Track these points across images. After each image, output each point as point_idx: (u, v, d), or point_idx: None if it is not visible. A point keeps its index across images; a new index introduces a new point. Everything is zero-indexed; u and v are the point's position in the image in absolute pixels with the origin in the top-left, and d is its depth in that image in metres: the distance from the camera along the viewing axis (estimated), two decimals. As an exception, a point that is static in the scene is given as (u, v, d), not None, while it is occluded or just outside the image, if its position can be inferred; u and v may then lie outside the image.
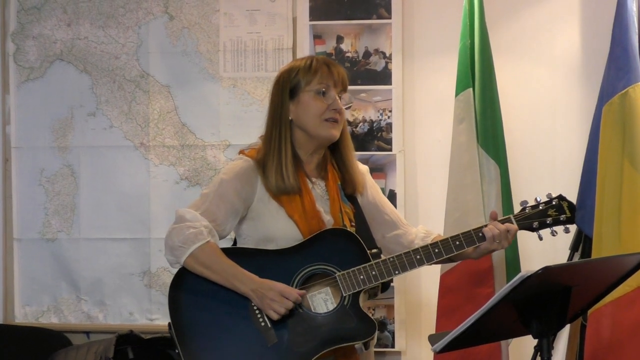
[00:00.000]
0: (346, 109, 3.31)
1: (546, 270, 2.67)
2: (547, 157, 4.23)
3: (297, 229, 3.23)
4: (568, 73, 4.23)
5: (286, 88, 3.29)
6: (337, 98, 3.27)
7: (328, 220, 3.27)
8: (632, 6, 3.79)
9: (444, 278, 4.04)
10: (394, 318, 4.34)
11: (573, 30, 4.22)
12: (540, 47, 4.25)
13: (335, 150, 3.35)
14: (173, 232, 3.21)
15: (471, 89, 4.01)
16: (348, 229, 3.27)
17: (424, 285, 4.33)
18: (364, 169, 3.44)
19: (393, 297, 4.33)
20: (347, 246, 3.22)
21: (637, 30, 3.80)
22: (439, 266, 3.99)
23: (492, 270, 3.97)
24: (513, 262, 4.01)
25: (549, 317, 2.85)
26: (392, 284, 4.19)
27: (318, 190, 3.31)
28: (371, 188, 3.44)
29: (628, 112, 3.73)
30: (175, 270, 3.25)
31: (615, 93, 3.76)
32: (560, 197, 3.34)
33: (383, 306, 4.33)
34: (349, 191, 3.36)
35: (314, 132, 3.27)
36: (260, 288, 3.14)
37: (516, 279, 2.68)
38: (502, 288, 2.73)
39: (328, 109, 3.26)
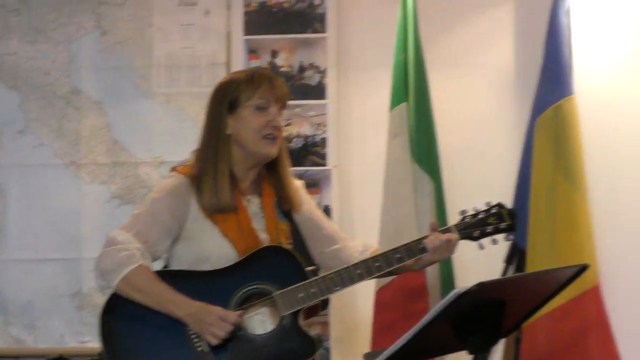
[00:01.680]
0: (285, 125, 3.26)
1: (481, 285, 2.65)
2: (481, 170, 4.24)
3: (233, 248, 3.15)
4: (501, 87, 4.25)
5: (225, 101, 3.20)
6: (278, 114, 3.20)
7: (264, 239, 3.20)
8: (564, 20, 3.82)
9: (379, 294, 4.02)
10: (330, 335, 4.31)
11: (506, 44, 4.24)
12: (474, 61, 4.27)
13: (271, 167, 3.28)
14: (104, 256, 3.10)
15: (405, 104, 4.01)
16: (285, 246, 3.20)
17: (359, 301, 4.30)
18: (298, 184, 3.38)
19: (328, 314, 4.29)
20: (285, 264, 3.15)
21: (569, 44, 3.83)
22: (374, 282, 3.97)
23: (427, 285, 3.96)
24: (447, 277, 4.01)
25: (484, 332, 2.84)
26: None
27: (253, 208, 3.24)
28: (307, 203, 3.38)
29: (561, 124, 3.76)
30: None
31: (548, 106, 3.79)
32: (500, 205, 3.30)
33: (318, 323, 4.30)
34: (286, 208, 3.30)
35: (253, 149, 3.19)
36: (197, 312, 3.05)
37: (451, 295, 2.66)
38: (437, 304, 2.71)
39: (267, 125, 3.18)
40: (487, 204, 3.31)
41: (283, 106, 3.24)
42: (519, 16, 4.23)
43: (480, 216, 3.28)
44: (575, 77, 3.83)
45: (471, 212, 3.30)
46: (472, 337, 2.84)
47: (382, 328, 3.97)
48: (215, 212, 3.16)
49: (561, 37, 3.80)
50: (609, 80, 3.89)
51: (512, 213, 3.30)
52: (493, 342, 2.90)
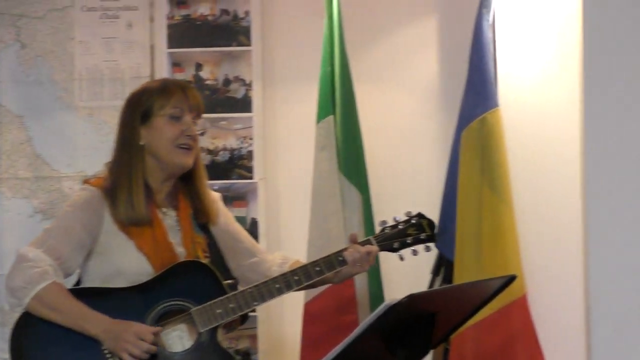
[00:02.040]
0: (200, 135, 3.20)
1: (411, 297, 2.66)
2: (408, 182, 4.25)
3: (148, 263, 3.09)
4: (427, 99, 4.27)
5: (138, 111, 3.14)
6: (192, 123, 3.15)
7: (180, 252, 3.15)
8: (488, 33, 3.85)
9: (307, 307, 4.00)
10: (257, 349, 4.28)
11: (431, 57, 4.27)
12: (400, 74, 4.28)
13: (187, 178, 3.22)
14: (14, 273, 3.01)
15: (332, 116, 4.00)
16: (202, 261, 3.14)
17: (287, 314, 4.29)
18: (215, 196, 3.33)
19: (256, 327, 4.26)
20: (202, 279, 3.10)
21: (493, 57, 3.87)
22: (302, 295, 3.95)
23: (356, 298, 3.95)
24: (376, 289, 4.00)
25: (414, 343, 2.85)
26: (255, 314, 4.15)
27: (169, 221, 3.18)
28: (224, 216, 3.33)
29: (486, 137, 3.78)
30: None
31: (473, 118, 3.81)
32: (420, 215, 3.32)
33: (247, 336, 4.27)
34: (202, 221, 3.24)
35: (167, 159, 3.13)
36: (113, 329, 2.98)
37: (381, 307, 2.66)
38: (368, 317, 2.71)
39: (182, 135, 3.12)
40: (407, 214, 3.32)
41: (197, 115, 3.18)
42: (443, 29, 4.26)
43: (400, 227, 3.30)
44: (500, 89, 3.87)
45: (391, 223, 3.31)
46: (403, 349, 2.84)
47: (311, 341, 3.95)
48: (130, 225, 3.09)
49: (485, 49, 3.83)
50: (532, 91, 3.94)
51: (431, 224, 3.32)
52: (423, 353, 2.91)
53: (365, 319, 3.84)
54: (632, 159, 3.43)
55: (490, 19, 3.88)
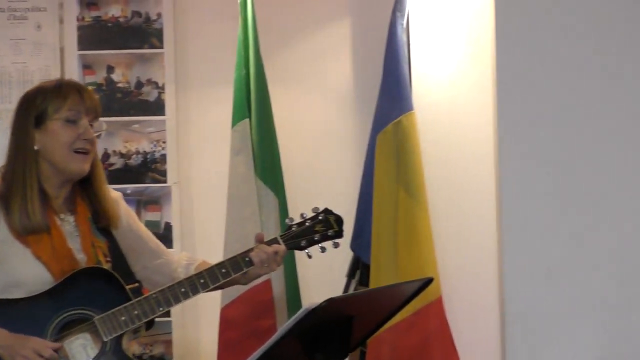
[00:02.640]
0: (97, 137, 3.09)
1: (330, 301, 2.66)
2: (323, 185, 4.25)
3: (47, 271, 2.98)
4: (342, 102, 4.28)
5: (31, 114, 3.02)
6: (89, 127, 3.04)
7: (81, 259, 3.04)
8: (402, 36, 3.87)
9: (224, 311, 3.97)
10: (172, 354, 4.23)
11: (345, 59, 4.28)
12: (314, 77, 4.28)
13: (85, 181, 3.11)
14: None
15: (248, 120, 3.99)
16: (104, 267, 3.05)
17: (203, 319, 4.25)
18: (116, 195, 3.23)
19: (171, 332, 4.22)
20: (104, 286, 3.01)
21: (407, 60, 3.89)
22: (218, 299, 3.93)
23: (273, 302, 3.93)
24: (293, 292, 3.99)
25: (332, 347, 2.85)
26: (170, 318, 4.11)
27: (67, 227, 3.07)
28: (126, 216, 3.23)
29: (401, 140, 3.81)
30: None
31: (388, 122, 3.83)
32: (327, 211, 3.27)
33: (162, 342, 4.22)
34: (102, 224, 3.14)
35: (63, 165, 3.03)
36: (10, 344, 2.88)
37: (301, 312, 2.65)
38: (286, 321, 2.70)
39: (78, 139, 3.02)
40: (314, 210, 3.27)
41: (94, 118, 3.09)
42: (357, 32, 4.27)
43: (307, 224, 3.24)
44: (414, 92, 3.90)
45: (298, 220, 3.26)
46: (320, 353, 2.83)
47: (228, 346, 3.92)
48: (27, 233, 2.99)
49: (400, 53, 3.85)
50: (446, 94, 3.97)
51: (339, 219, 3.28)
52: (341, 357, 2.91)
53: (283, 323, 3.87)
54: (546, 159, 3.48)
55: (404, 22, 3.91)
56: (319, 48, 4.29)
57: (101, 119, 3.15)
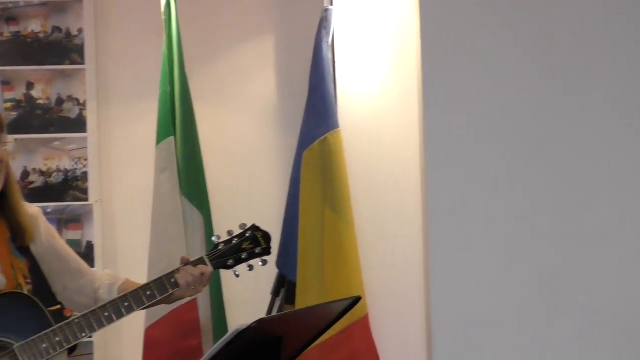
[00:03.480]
0: (6, 150, 2.98)
1: (260, 322, 2.64)
2: (249, 203, 4.24)
3: None
4: (267, 119, 4.27)
5: None
6: None
7: (0, 282, 2.95)
8: (327, 53, 3.87)
9: (148, 331, 3.92)
10: (96, 376, 4.17)
11: (270, 76, 4.27)
12: (239, 94, 4.27)
13: (0, 199, 3.01)
14: None
15: (173, 137, 3.96)
16: (23, 292, 2.95)
17: (126, 339, 4.19)
18: (35, 211, 3.12)
19: (92, 353, 4.15)
20: (25, 311, 2.92)
21: (333, 78, 3.89)
22: (142, 319, 3.87)
23: (199, 321, 3.89)
24: (219, 312, 3.96)
25: (261, 367, 2.83)
26: (91, 339, 4.04)
27: None
28: (47, 234, 3.13)
29: (327, 158, 3.80)
30: None
31: (314, 139, 3.82)
32: (254, 228, 3.21)
33: (83, 363, 4.16)
34: (21, 243, 3.03)
35: None
36: None
37: (231, 333, 2.63)
38: (214, 342, 2.67)
39: None
40: (242, 226, 3.22)
41: (1, 131, 2.99)
42: (282, 49, 4.27)
43: (235, 242, 3.19)
44: (340, 110, 3.90)
45: (224, 238, 3.20)
46: (250, 373, 2.81)
47: (153, 367, 3.88)
48: None
49: (325, 70, 3.85)
50: (372, 111, 3.96)
51: (266, 236, 3.23)
52: (270, 377, 2.88)
53: (209, 343, 3.83)
54: (472, 173, 3.50)
55: (330, 39, 3.91)
56: (244, 65, 4.28)
57: (21, 136, 3.08)
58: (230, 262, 3.18)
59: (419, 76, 3.73)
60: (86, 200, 4.21)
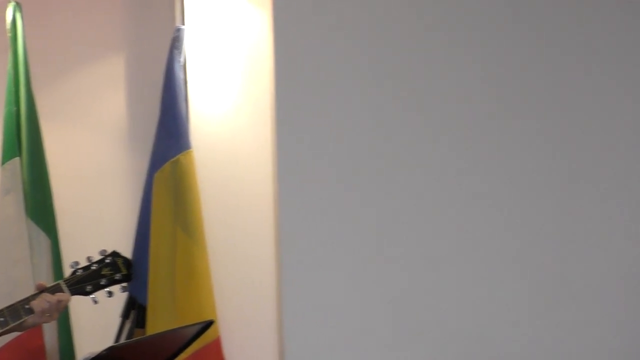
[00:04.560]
0: None
1: (112, 349, 2.62)
2: (99, 225, 4.15)
3: None
4: (118, 139, 4.19)
5: None
6: None
7: None
8: (180, 73, 3.85)
9: (-7, 358, 3.81)
10: None
11: (121, 96, 4.20)
12: (89, 113, 4.19)
13: None
14: None
15: (18, 158, 3.86)
16: None
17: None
18: None
19: None
20: None
21: (185, 98, 3.87)
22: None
23: (44, 349, 3.80)
24: (66, 338, 3.88)
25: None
26: None
27: None
28: None
29: (179, 179, 3.77)
30: None
31: (166, 160, 3.79)
32: (114, 254, 3.22)
33: None
34: None
35: None
36: None
37: (81, 360, 2.57)
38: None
39: None
40: (102, 252, 3.21)
41: None
42: (133, 68, 4.21)
43: (94, 267, 3.17)
44: (192, 131, 3.87)
45: (83, 264, 3.18)
46: (100, 401, 2.75)
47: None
48: None
49: (177, 90, 3.83)
50: (225, 133, 3.95)
51: (127, 262, 3.23)
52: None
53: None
54: (325, 199, 3.52)
55: (182, 59, 3.88)
56: (94, 84, 4.20)
57: None
58: (89, 288, 3.16)
59: (271, 97, 3.73)
60: None
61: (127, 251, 3.84)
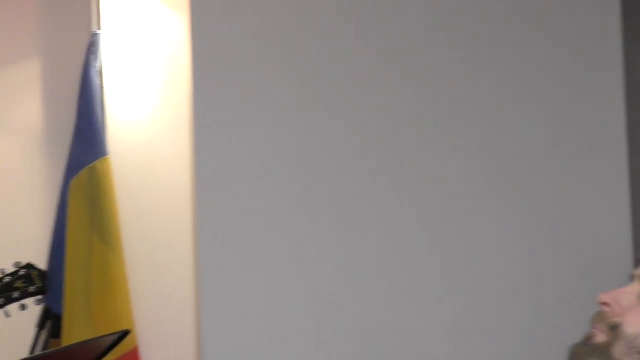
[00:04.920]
0: None
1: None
2: (11, 234, 4.08)
3: None
4: (32, 146, 4.12)
5: None
6: None
7: None
8: (96, 79, 3.80)
9: None
10: None
11: (35, 101, 4.12)
12: (2, 120, 4.13)
13: None
14: None
15: None
16: None
17: None
18: None
19: None
20: None
21: (102, 104, 3.82)
22: None
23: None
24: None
25: (24, 408, 2.71)
26: None
27: None
28: None
29: (96, 186, 3.72)
30: None
31: (82, 167, 3.74)
32: (29, 266, 3.16)
33: None
34: None
35: None
36: None
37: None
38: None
39: None
40: (16, 264, 3.15)
41: None
42: (47, 73, 4.14)
43: (6, 280, 3.12)
44: (110, 137, 3.82)
45: None
46: (12, 414, 2.69)
47: None
48: None
49: (93, 96, 3.77)
50: (143, 139, 3.90)
51: (42, 274, 3.17)
52: (34, 418, 2.77)
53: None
54: (245, 207, 3.50)
55: (99, 65, 3.83)
56: (8, 89, 4.13)
57: None
58: (1, 301, 3.07)
59: (190, 103, 3.69)
60: None
61: (41, 261, 3.78)
